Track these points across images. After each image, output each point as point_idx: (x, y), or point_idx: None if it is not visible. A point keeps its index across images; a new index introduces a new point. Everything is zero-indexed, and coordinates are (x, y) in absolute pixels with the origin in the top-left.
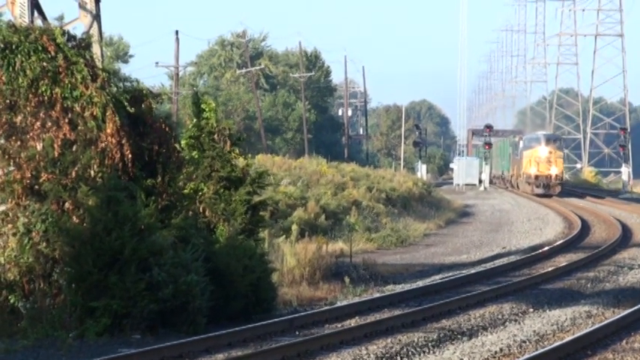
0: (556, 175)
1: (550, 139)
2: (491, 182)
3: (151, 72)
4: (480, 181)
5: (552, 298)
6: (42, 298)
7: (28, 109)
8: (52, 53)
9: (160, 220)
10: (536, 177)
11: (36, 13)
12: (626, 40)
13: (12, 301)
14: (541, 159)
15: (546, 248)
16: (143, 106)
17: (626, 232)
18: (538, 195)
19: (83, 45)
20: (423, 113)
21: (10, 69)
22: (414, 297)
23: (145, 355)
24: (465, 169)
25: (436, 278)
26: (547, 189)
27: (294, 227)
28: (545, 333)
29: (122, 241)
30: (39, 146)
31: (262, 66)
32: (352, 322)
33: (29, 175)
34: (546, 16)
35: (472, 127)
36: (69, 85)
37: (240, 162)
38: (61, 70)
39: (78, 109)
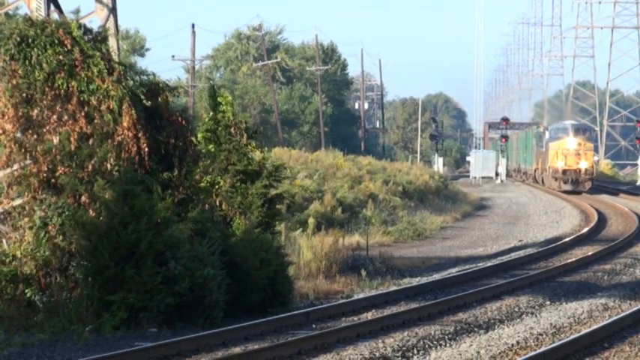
0: (586, 170)
1: (579, 130)
2: (508, 175)
3: (167, 65)
4: (497, 174)
5: (569, 290)
6: (58, 291)
7: (45, 102)
8: (69, 47)
9: (176, 213)
10: (564, 171)
11: (52, 7)
12: None
13: (28, 294)
14: (569, 151)
15: (567, 239)
16: (159, 99)
17: None
18: (566, 192)
19: (99, 38)
20: (440, 106)
21: (27, 62)
22: (430, 290)
23: (162, 349)
24: (481, 162)
25: (452, 271)
26: (576, 185)
27: (311, 220)
28: (561, 325)
29: (138, 234)
30: (55, 140)
31: (279, 59)
32: (369, 315)
33: (45, 169)
34: (563, 8)
35: (489, 120)
36: (85, 79)
37: (257, 155)
38: (77, 63)
39: (94, 102)
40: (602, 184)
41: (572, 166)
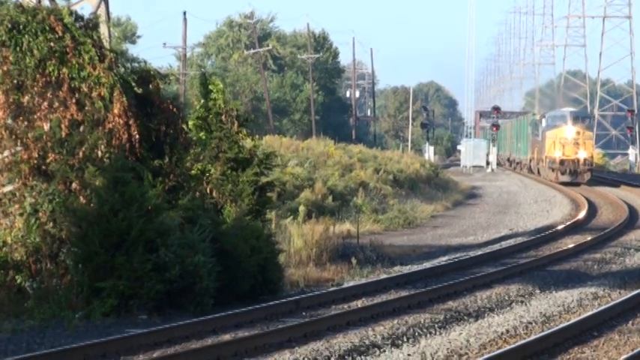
0: (585, 160)
1: (578, 117)
2: (499, 164)
3: (158, 53)
4: (488, 163)
5: (559, 279)
6: (49, 278)
7: (36, 89)
8: (60, 33)
9: (167, 200)
10: (562, 162)
11: None
12: (635, 22)
13: (19, 281)
14: (567, 140)
15: (560, 227)
16: (151, 86)
17: (633, 213)
18: (563, 183)
19: (91, 25)
20: (431, 95)
21: (18, 49)
22: (420, 278)
23: (152, 336)
24: (472, 151)
25: (443, 260)
26: (574, 176)
27: (302, 208)
28: (551, 314)
29: (129, 221)
30: (46, 126)
31: (270, 47)
32: (359, 303)
33: (36, 156)
34: None
35: (480, 109)
36: (76, 66)
37: (248, 143)
38: (68, 50)
39: (85, 89)
40: (601, 175)
41: (571, 155)
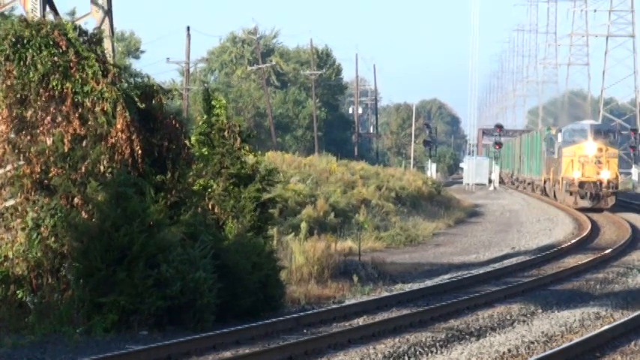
0: (608, 182)
1: (600, 131)
2: (502, 182)
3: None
4: (490, 181)
5: (561, 299)
6: (50, 293)
7: (39, 103)
8: (64, 48)
9: (168, 216)
10: (581, 184)
11: (48, 8)
12: (638, 40)
13: (20, 295)
14: (588, 158)
15: (564, 246)
16: (154, 101)
17: (636, 233)
18: (584, 209)
19: (94, 40)
20: (434, 112)
21: (22, 63)
22: (422, 296)
23: (153, 352)
24: (474, 169)
25: (445, 278)
26: (596, 200)
27: (303, 225)
28: (553, 334)
29: (131, 237)
30: (49, 141)
31: (273, 63)
32: (360, 321)
33: (39, 170)
34: (558, 16)
35: (482, 127)
36: (80, 80)
37: (250, 159)
38: (72, 65)
39: (88, 104)
40: (625, 199)
41: (592, 176)
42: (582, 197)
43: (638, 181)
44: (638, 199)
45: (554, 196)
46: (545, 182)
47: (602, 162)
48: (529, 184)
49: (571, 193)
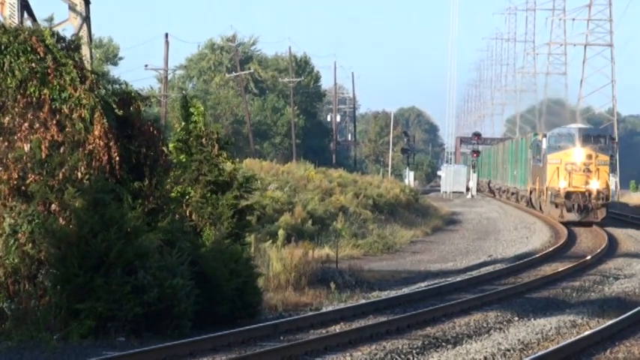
0: (598, 192)
1: (589, 137)
2: (480, 191)
3: (140, 75)
4: (468, 189)
5: (537, 307)
6: (27, 299)
7: (16, 109)
8: (41, 54)
9: (146, 223)
10: (568, 194)
11: (25, 14)
12: (616, 50)
13: None
14: (575, 166)
15: (541, 254)
16: (131, 108)
17: (612, 242)
18: (570, 223)
19: (72, 47)
20: (412, 120)
21: None
22: (399, 304)
23: (129, 359)
24: (452, 177)
25: (422, 285)
26: (584, 213)
27: (281, 232)
28: (529, 342)
29: (108, 243)
30: (26, 147)
31: (252, 70)
32: (337, 328)
33: (16, 176)
34: (536, 25)
35: (460, 135)
36: (57, 87)
37: (228, 166)
38: (49, 71)
39: (66, 110)
40: (614, 212)
41: (580, 186)
42: (569, 210)
43: (615, 190)
44: (615, 208)
45: (540, 208)
46: (531, 193)
47: (592, 170)
48: (513, 194)
49: (557, 205)
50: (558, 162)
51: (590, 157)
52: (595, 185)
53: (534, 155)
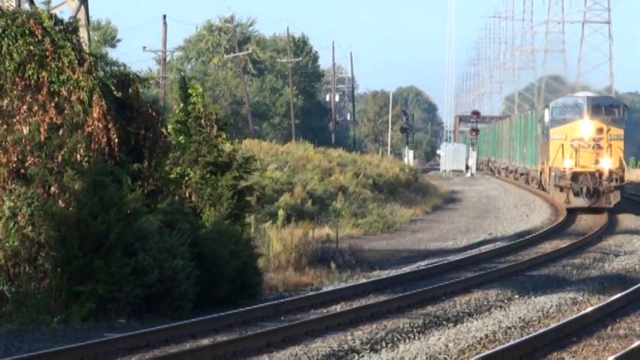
0: (610, 173)
1: (600, 107)
2: (478, 169)
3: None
4: (467, 168)
5: (538, 284)
6: (27, 282)
7: (15, 92)
8: (39, 37)
9: (146, 204)
10: (574, 176)
11: None
12: (614, 27)
13: None
14: (583, 142)
15: (541, 232)
16: (130, 90)
17: (612, 219)
18: (579, 209)
19: (70, 29)
20: (411, 99)
21: None
22: (399, 283)
23: (130, 340)
24: (451, 155)
25: (422, 264)
26: (594, 197)
27: (281, 212)
28: (530, 319)
29: (108, 225)
30: (25, 130)
31: (250, 51)
32: (338, 308)
33: (15, 159)
34: (534, 3)
35: (459, 114)
36: (56, 69)
37: (227, 147)
38: (48, 53)
39: (65, 93)
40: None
41: (588, 166)
42: (577, 194)
43: None
44: None
45: (548, 191)
46: (541, 174)
47: (603, 147)
48: (522, 174)
49: (562, 189)
50: (563, 137)
51: (600, 130)
52: (607, 164)
53: (543, 132)
